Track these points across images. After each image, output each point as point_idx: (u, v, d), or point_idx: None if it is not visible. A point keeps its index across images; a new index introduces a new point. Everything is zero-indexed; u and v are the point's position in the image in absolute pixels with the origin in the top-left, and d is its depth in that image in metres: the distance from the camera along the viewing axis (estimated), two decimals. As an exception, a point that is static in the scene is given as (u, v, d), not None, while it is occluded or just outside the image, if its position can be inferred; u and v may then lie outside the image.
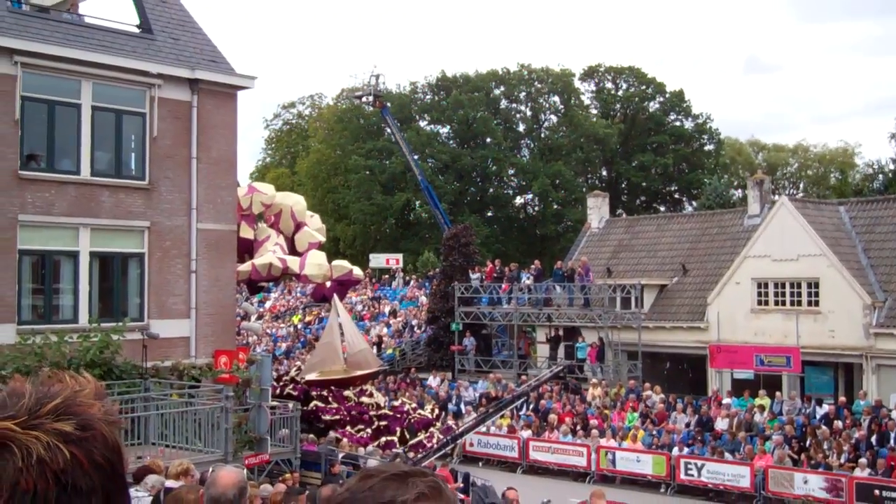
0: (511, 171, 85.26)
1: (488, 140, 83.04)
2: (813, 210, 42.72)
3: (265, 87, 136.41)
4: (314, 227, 36.60)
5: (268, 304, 64.01)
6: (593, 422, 35.62)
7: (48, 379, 1.72)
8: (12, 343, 23.07)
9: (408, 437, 33.26)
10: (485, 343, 48.09)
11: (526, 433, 36.06)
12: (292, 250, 35.00)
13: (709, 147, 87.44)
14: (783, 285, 40.61)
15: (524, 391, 39.79)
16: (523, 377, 43.00)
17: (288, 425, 26.61)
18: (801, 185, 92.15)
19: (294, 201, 36.71)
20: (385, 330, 52.47)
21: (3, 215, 24.33)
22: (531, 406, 38.59)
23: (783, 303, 40.59)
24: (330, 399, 32.96)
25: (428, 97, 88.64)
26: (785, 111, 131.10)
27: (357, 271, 37.78)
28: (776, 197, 50.14)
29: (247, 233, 33.72)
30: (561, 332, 46.04)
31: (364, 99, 72.93)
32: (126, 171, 27.49)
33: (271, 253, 33.18)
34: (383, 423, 32.97)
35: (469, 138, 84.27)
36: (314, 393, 32.97)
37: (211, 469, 10.31)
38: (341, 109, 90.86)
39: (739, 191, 78.63)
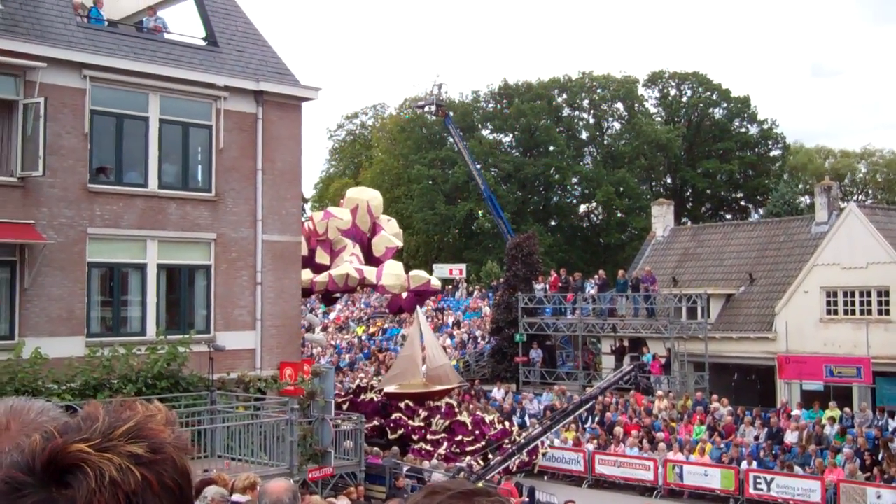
0: (574, 180, 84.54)
1: (551, 148, 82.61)
2: (882, 216, 41.96)
3: (329, 97, 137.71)
4: (391, 232, 36.25)
5: (332, 316, 64.20)
6: (660, 435, 35.17)
7: (120, 406, 1.77)
8: (81, 355, 23.32)
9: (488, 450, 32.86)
10: (549, 354, 47.73)
11: (591, 446, 35.66)
12: (369, 254, 34.75)
13: (775, 152, 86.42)
14: (852, 294, 39.91)
15: (592, 394, 39.32)
16: (588, 389, 42.53)
17: (352, 438, 26.54)
18: (870, 192, 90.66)
19: (370, 196, 36.35)
20: (448, 341, 52.29)
21: (73, 228, 24.61)
22: (596, 419, 38.19)
23: (853, 312, 39.89)
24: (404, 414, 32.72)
25: (490, 106, 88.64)
26: (850, 116, 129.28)
27: (435, 281, 37.48)
28: (844, 203, 49.34)
29: (322, 259, 33.51)
30: (626, 343, 45.61)
31: (427, 108, 73.10)
32: (193, 183, 27.70)
33: (348, 263, 33.02)
34: (468, 437, 32.57)
35: (532, 146, 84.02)
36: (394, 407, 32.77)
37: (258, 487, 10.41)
38: (404, 119, 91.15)
39: (807, 197, 77.49)
